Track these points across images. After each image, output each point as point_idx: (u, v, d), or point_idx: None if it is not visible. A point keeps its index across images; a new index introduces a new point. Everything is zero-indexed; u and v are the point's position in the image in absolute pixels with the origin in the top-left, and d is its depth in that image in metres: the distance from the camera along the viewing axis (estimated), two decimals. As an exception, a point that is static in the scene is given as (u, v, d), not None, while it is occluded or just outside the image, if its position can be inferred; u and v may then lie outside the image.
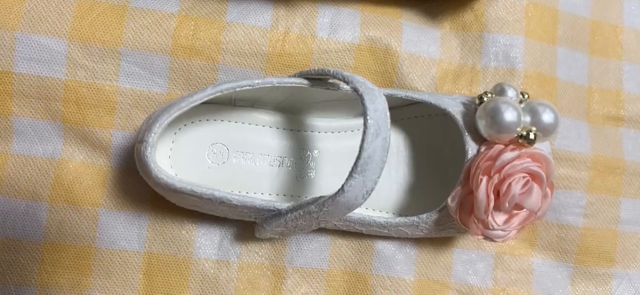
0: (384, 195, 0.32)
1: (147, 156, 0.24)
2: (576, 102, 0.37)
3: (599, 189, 0.36)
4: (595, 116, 0.37)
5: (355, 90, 0.25)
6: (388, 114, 0.25)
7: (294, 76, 0.28)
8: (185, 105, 0.25)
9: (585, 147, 0.36)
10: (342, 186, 0.24)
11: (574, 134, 0.36)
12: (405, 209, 0.33)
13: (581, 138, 0.36)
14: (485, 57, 0.36)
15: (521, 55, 0.36)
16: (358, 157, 0.24)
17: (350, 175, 0.24)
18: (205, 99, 0.26)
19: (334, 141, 0.32)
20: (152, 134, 0.24)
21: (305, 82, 0.28)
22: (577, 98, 0.37)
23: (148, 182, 0.26)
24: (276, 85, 0.27)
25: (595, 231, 0.36)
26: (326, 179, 0.32)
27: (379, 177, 0.25)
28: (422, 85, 0.34)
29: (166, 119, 0.24)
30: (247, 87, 0.26)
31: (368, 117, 0.24)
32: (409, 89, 0.34)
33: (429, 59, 0.35)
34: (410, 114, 0.33)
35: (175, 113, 0.25)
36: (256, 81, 0.26)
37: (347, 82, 0.25)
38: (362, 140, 0.24)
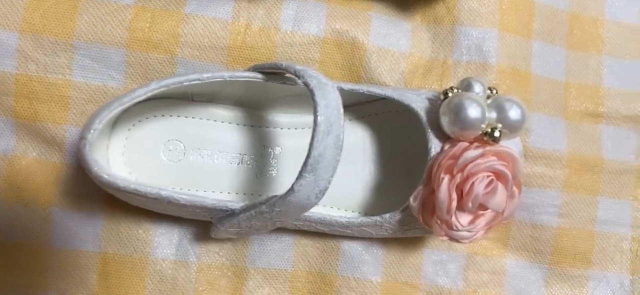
0: (348, 193, 0.31)
1: (86, 154, 0.23)
2: (552, 98, 0.36)
3: (575, 188, 0.35)
4: (572, 112, 0.36)
5: (306, 84, 0.24)
6: (341, 110, 0.24)
7: (248, 70, 0.27)
8: (127, 101, 0.24)
9: (561, 145, 0.35)
10: (292, 186, 0.23)
11: (549, 131, 0.35)
12: (371, 208, 0.32)
13: (557, 135, 0.35)
14: (457, 51, 0.34)
15: (494, 49, 0.34)
16: (308, 156, 0.23)
17: (300, 174, 0.23)
18: (149, 94, 0.24)
19: (296, 138, 0.31)
20: (92, 131, 0.23)
21: (260, 76, 0.27)
22: (554, 94, 0.36)
23: (91, 177, 0.25)
24: (227, 79, 0.26)
25: (570, 231, 0.35)
26: (288, 177, 0.31)
27: (332, 176, 0.24)
28: (390, 80, 0.33)
29: (106, 115, 0.23)
30: (196, 82, 0.25)
31: (318, 114, 0.23)
32: (377, 83, 0.33)
33: (398, 52, 0.34)
34: (376, 110, 0.32)
35: (116, 109, 0.24)
36: (205, 75, 0.25)
37: (298, 76, 0.24)
38: (312, 138, 0.23)
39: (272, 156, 0.31)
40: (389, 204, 0.31)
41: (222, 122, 0.30)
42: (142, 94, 0.24)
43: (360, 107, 0.32)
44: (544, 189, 0.35)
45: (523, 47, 0.35)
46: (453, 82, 0.34)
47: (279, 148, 0.31)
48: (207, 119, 0.30)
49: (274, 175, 0.31)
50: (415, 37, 0.34)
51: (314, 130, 0.23)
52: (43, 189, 0.30)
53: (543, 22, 0.36)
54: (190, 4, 0.31)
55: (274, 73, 0.27)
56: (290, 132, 0.31)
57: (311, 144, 0.23)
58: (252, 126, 0.31)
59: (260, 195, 0.30)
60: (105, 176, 0.23)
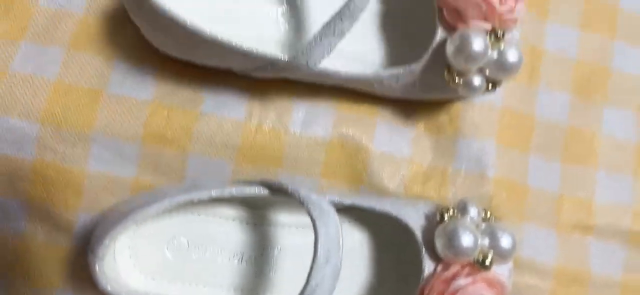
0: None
1: (96, 270, 0.25)
2: (545, 210, 0.37)
3: (563, 300, 0.36)
4: (564, 225, 0.37)
5: (309, 213, 0.25)
6: (340, 239, 0.25)
7: (254, 183, 0.29)
8: (140, 219, 0.25)
9: (551, 256, 0.36)
10: (289, 312, 0.24)
11: (540, 243, 0.36)
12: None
13: (547, 247, 0.36)
14: (457, 160, 0.36)
15: (493, 162, 0.36)
16: (305, 284, 0.24)
17: (298, 300, 0.24)
18: (160, 211, 0.26)
19: (297, 237, 0.33)
20: (102, 247, 0.24)
21: (265, 192, 0.28)
22: (547, 206, 0.37)
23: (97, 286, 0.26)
24: (235, 195, 0.27)
25: (557, 342, 0.36)
26: (286, 279, 0.32)
27: (328, 302, 0.25)
28: (390, 185, 0.34)
29: (119, 232, 0.25)
30: (205, 198, 0.27)
31: (319, 244, 0.24)
32: (378, 187, 0.34)
33: (400, 158, 0.35)
34: (374, 216, 0.33)
35: (129, 226, 0.25)
36: (213, 192, 0.27)
37: (302, 203, 0.26)
38: (311, 268, 0.24)
39: (271, 256, 0.32)
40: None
41: (226, 219, 0.32)
42: (154, 211, 0.25)
43: (359, 210, 0.34)
44: (533, 300, 0.36)
45: (521, 160, 0.37)
46: (451, 191, 0.35)
47: (279, 247, 0.32)
48: (212, 216, 0.31)
49: (272, 275, 0.32)
50: (417, 144, 0.36)
51: (314, 259, 0.24)
52: (49, 270, 0.31)
53: (542, 137, 0.37)
54: (206, 103, 0.33)
55: (277, 190, 0.28)
56: (291, 230, 0.33)
57: (309, 274, 0.24)
58: (255, 224, 0.32)
59: (258, 293, 0.32)
60: (110, 290, 0.25)
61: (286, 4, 0.33)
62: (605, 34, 0.39)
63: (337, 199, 0.29)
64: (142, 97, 0.32)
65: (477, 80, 0.30)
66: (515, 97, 0.37)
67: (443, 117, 0.36)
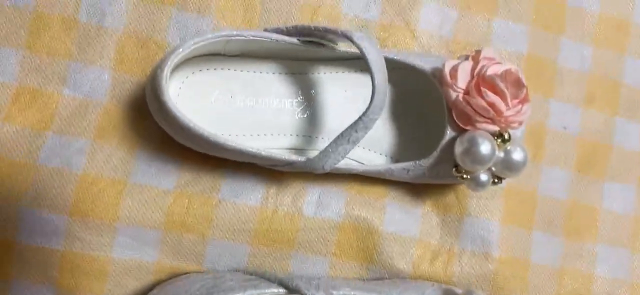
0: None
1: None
2: (547, 285, 0.38)
3: None
4: (564, 297, 0.39)
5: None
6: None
7: (272, 280, 0.30)
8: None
9: (551, 330, 0.38)
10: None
11: (541, 316, 0.38)
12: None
13: (548, 320, 0.38)
14: (463, 239, 0.37)
15: (497, 241, 0.37)
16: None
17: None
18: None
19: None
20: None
21: (282, 290, 0.30)
22: (549, 280, 0.39)
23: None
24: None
25: None
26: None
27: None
28: (401, 264, 0.36)
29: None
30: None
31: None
32: (388, 266, 0.36)
33: (408, 238, 0.37)
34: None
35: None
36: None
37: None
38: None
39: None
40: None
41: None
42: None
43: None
44: None
45: (524, 237, 0.38)
46: (457, 270, 0.37)
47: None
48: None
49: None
50: (425, 223, 0.37)
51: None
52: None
53: (544, 213, 0.39)
54: (224, 190, 0.34)
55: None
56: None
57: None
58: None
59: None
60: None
61: (300, 94, 0.35)
62: (607, 110, 0.41)
63: (350, 290, 0.31)
64: (163, 186, 0.34)
65: (483, 177, 0.32)
66: (518, 177, 0.38)
67: (450, 197, 0.38)
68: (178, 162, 0.34)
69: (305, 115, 0.35)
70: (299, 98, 0.35)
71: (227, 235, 0.34)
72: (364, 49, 0.28)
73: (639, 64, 0.41)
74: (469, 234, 0.37)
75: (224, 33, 0.29)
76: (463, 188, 0.38)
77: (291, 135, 0.34)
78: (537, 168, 0.39)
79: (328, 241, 0.36)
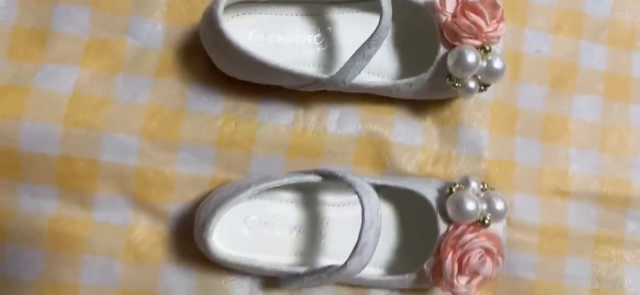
0: (376, 255, 0.42)
1: (208, 240, 0.34)
2: (530, 181, 0.46)
3: (547, 250, 0.46)
4: (545, 191, 0.47)
5: (355, 191, 0.34)
6: (379, 210, 0.34)
7: (310, 172, 0.38)
8: (234, 202, 0.35)
9: (537, 217, 0.46)
10: (345, 263, 0.34)
11: (527, 207, 0.46)
12: (394, 267, 0.42)
13: (532, 209, 0.46)
14: (459, 145, 0.45)
15: (487, 145, 0.45)
16: (356, 243, 0.33)
17: (351, 255, 0.34)
18: (250, 195, 0.35)
19: (340, 212, 0.42)
20: (212, 224, 0.34)
21: (318, 178, 0.38)
22: (531, 177, 0.47)
23: (205, 255, 0.36)
24: (298, 181, 0.37)
25: (543, 283, 0.46)
26: (333, 242, 0.41)
27: (372, 255, 0.34)
28: (408, 167, 0.44)
29: (221, 213, 0.34)
30: (277, 185, 0.36)
31: (365, 214, 0.34)
32: (398, 170, 0.44)
33: (414, 146, 0.45)
34: (398, 193, 0.43)
35: (228, 208, 0.35)
36: (284, 180, 0.36)
37: (350, 185, 0.35)
38: (360, 231, 0.33)
39: (321, 227, 0.41)
40: (408, 264, 0.42)
41: (285, 201, 0.41)
42: (245, 197, 0.35)
43: (387, 188, 0.43)
44: (523, 251, 0.45)
45: (508, 142, 0.46)
46: (456, 170, 0.45)
47: (326, 221, 0.42)
48: (275, 200, 0.41)
49: (322, 242, 0.41)
50: (427, 134, 0.45)
51: (362, 225, 0.34)
52: (152, 249, 0.41)
53: (524, 122, 0.47)
54: (262, 113, 0.42)
55: (328, 176, 0.38)
56: (335, 207, 0.42)
57: (360, 235, 0.34)
58: (306, 204, 0.42)
59: (312, 255, 0.41)
60: (217, 255, 0.34)
61: (319, 31, 0.42)
62: (572, 36, 0.49)
63: (371, 180, 0.39)
64: (213, 111, 0.42)
65: (471, 84, 0.40)
66: (502, 93, 0.46)
67: (446, 112, 0.46)
68: (223, 91, 0.42)
69: (324, 48, 0.42)
70: (318, 34, 0.42)
71: (267, 150, 0.42)
72: None
73: (598, -3, 0.50)
74: (463, 140, 0.45)
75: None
76: (456, 104, 0.46)
77: (313, 65, 0.42)
78: (516, 85, 0.47)
79: (348, 152, 0.43)
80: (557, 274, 0.46)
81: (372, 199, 0.34)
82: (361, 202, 0.34)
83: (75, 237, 0.40)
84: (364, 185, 0.35)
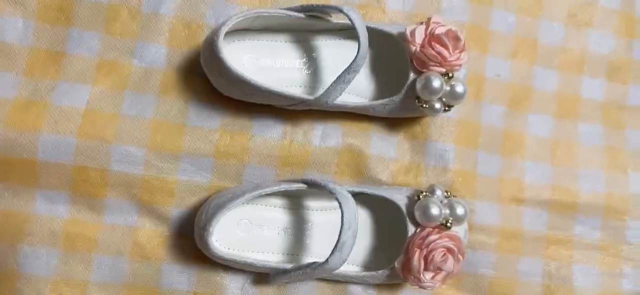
0: (355, 253, 0.48)
1: (210, 239, 0.39)
2: (490, 189, 0.53)
3: (505, 250, 0.52)
4: (503, 198, 0.53)
5: (336, 199, 0.40)
6: (356, 213, 0.40)
7: (297, 181, 0.44)
8: (232, 207, 0.40)
9: (495, 221, 0.52)
10: (327, 258, 0.39)
11: (487, 212, 0.52)
12: (369, 264, 0.48)
13: (492, 214, 0.52)
14: (428, 157, 0.51)
15: (452, 158, 0.51)
16: (337, 242, 0.39)
17: (333, 252, 0.39)
18: (244, 201, 0.41)
19: (323, 216, 0.48)
20: (212, 226, 0.39)
21: (304, 186, 0.43)
22: (491, 186, 0.53)
23: (205, 253, 0.41)
24: (286, 189, 0.42)
25: (500, 280, 0.52)
26: (317, 243, 0.47)
27: (350, 253, 0.40)
28: (383, 176, 0.50)
29: (220, 216, 0.40)
30: (269, 192, 0.42)
31: (344, 217, 0.39)
32: (374, 179, 0.50)
33: (388, 158, 0.50)
34: (374, 199, 0.49)
35: (225, 212, 0.40)
36: (275, 187, 0.42)
37: (331, 192, 0.41)
38: (340, 232, 0.39)
39: (306, 228, 0.47)
40: (382, 261, 0.47)
41: (274, 207, 0.46)
42: (240, 202, 0.40)
43: (363, 195, 0.49)
44: (483, 251, 0.52)
45: (471, 155, 0.52)
46: (425, 179, 0.51)
47: (310, 224, 0.47)
48: (264, 205, 0.46)
49: (307, 242, 0.47)
50: (400, 148, 0.51)
51: (341, 227, 0.39)
52: (155, 249, 0.46)
53: (486, 137, 0.53)
54: (255, 128, 0.48)
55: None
56: (318, 213, 0.48)
57: (339, 235, 0.39)
58: (293, 209, 0.47)
59: (298, 254, 0.47)
60: (217, 252, 0.40)
61: (306, 56, 0.48)
62: (527, 61, 0.55)
63: (350, 188, 0.45)
64: (212, 126, 0.47)
65: (437, 105, 0.46)
66: (465, 111, 0.53)
67: (417, 128, 0.52)
68: (220, 109, 0.47)
69: (310, 72, 0.48)
70: (304, 59, 0.48)
71: (259, 160, 0.47)
72: (351, 17, 0.41)
73: (552, 25, 0.56)
74: (431, 153, 0.51)
75: (255, 10, 0.43)
76: (425, 121, 0.52)
77: (300, 86, 0.48)
78: (479, 104, 0.53)
79: (331, 162, 0.49)
80: (513, 271, 0.52)
81: (351, 205, 0.40)
82: (341, 207, 0.40)
83: (87, 238, 0.45)
84: (343, 192, 0.41)
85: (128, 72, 0.47)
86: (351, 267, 0.48)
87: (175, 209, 0.46)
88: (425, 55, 0.45)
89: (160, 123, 0.46)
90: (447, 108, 0.47)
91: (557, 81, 0.56)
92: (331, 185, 0.41)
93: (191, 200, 0.46)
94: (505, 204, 0.53)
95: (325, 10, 0.44)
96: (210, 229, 0.40)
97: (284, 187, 0.42)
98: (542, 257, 0.53)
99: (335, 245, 0.39)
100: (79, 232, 0.45)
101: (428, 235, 0.44)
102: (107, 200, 0.45)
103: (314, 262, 0.41)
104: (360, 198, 0.48)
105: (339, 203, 0.40)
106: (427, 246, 0.43)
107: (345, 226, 0.39)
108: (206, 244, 0.40)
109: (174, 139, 0.46)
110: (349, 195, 0.41)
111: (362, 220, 0.48)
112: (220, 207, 0.40)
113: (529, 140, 0.55)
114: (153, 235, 0.46)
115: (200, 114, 0.47)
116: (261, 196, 0.45)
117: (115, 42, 0.47)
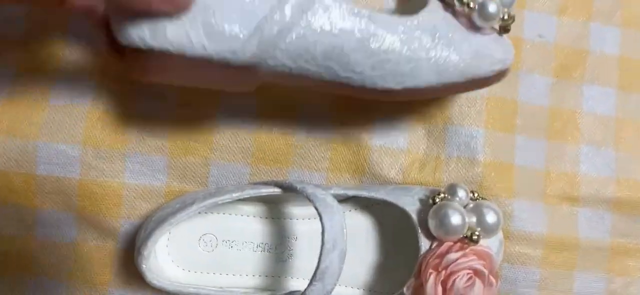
0: (354, 273, 0.37)
1: (143, 267, 0.29)
2: (532, 185, 0.41)
3: (553, 265, 0.40)
4: (551, 197, 0.41)
5: (315, 208, 0.29)
6: (344, 228, 0.29)
7: (268, 183, 0.33)
8: (175, 222, 0.30)
9: (540, 227, 0.40)
10: (304, 291, 0.29)
11: (529, 215, 0.40)
12: (374, 286, 0.37)
13: (536, 218, 0.40)
14: (449, 147, 0.40)
15: (481, 146, 0.40)
16: (317, 268, 0.29)
17: (311, 282, 0.29)
18: (191, 214, 0.31)
19: (309, 225, 0.37)
20: (147, 248, 0.29)
21: (278, 190, 0.33)
22: (534, 181, 0.41)
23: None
24: (253, 195, 0.32)
25: (549, 302, 0.40)
26: (302, 260, 0.37)
27: (336, 281, 0.29)
28: (390, 174, 0.39)
29: (159, 235, 0.30)
30: (228, 200, 0.31)
31: (325, 234, 0.29)
32: (378, 176, 0.39)
33: (397, 149, 0.39)
34: (378, 202, 0.38)
35: (166, 229, 0.30)
36: (234, 194, 0.31)
37: (309, 199, 0.30)
38: (320, 255, 0.28)
39: (289, 244, 0.37)
40: (389, 284, 0.37)
41: (248, 216, 0.36)
42: (186, 215, 0.30)
43: (363, 200, 0.38)
44: (525, 266, 0.40)
45: (507, 141, 0.40)
46: (445, 175, 0.39)
47: (295, 237, 0.37)
48: (235, 215, 0.36)
49: (291, 261, 0.36)
50: (412, 135, 0.40)
51: (322, 247, 0.29)
52: (101, 270, 0.37)
53: (526, 118, 0.41)
54: (220, 117, 0.37)
55: (288, 189, 0.33)
56: (304, 221, 0.37)
57: (319, 259, 0.29)
58: (272, 218, 0.37)
59: (279, 276, 0.36)
60: (157, 283, 0.30)
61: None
62: (580, 17, 0.42)
63: (341, 190, 0.34)
64: (164, 116, 0.37)
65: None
66: (499, 86, 0.40)
67: (434, 109, 0.40)
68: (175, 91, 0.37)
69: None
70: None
71: (227, 156, 0.37)
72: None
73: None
74: (454, 142, 0.40)
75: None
76: (445, 100, 0.40)
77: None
78: (516, 75, 0.41)
79: (322, 157, 0.38)
80: (566, 291, 0.40)
81: (335, 216, 0.29)
82: (321, 220, 0.29)
83: (16, 258, 0.36)
84: (327, 198, 0.30)
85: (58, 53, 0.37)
86: (349, 290, 0.37)
87: (125, 220, 0.37)
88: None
89: (101, 113, 0.36)
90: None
91: (619, 42, 0.43)
92: (310, 190, 0.30)
93: (144, 208, 0.37)
94: (554, 205, 0.41)
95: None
96: (144, 252, 0.30)
97: (250, 192, 0.32)
98: (604, 271, 0.41)
99: (315, 274, 0.29)
100: (5, 250, 0.36)
101: (447, 252, 0.32)
102: (38, 212, 0.36)
103: (290, 292, 0.30)
104: (361, 202, 0.38)
105: (319, 214, 0.29)
106: (446, 268, 0.32)
107: (327, 246, 0.29)
108: (142, 272, 0.30)
109: (117, 133, 0.36)
110: (334, 203, 0.30)
111: (363, 231, 0.37)
112: (160, 222, 0.30)
113: (585, 119, 0.42)
114: (98, 253, 0.37)
115: (150, 99, 0.37)
116: (228, 203, 0.35)
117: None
